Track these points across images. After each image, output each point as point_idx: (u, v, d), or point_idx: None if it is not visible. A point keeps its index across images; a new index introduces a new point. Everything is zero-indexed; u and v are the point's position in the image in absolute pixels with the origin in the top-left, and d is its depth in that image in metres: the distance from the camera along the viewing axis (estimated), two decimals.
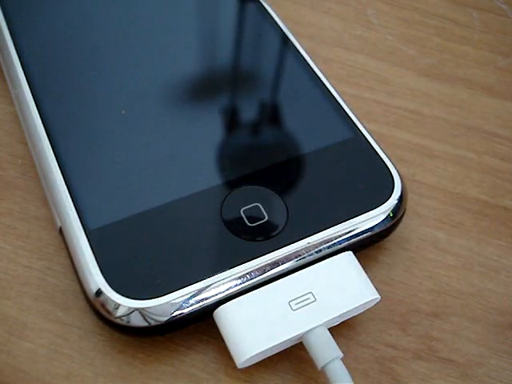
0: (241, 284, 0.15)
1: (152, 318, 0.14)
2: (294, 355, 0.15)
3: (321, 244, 0.16)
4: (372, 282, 0.15)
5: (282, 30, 0.21)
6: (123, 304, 0.14)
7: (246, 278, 0.15)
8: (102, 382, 0.15)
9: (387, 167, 0.17)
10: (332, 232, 0.16)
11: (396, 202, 0.16)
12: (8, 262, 0.17)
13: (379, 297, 0.15)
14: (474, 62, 0.23)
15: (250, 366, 0.15)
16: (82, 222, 0.15)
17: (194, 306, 0.14)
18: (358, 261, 0.16)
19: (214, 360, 0.15)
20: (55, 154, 0.17)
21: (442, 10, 0.25)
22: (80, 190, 0.16)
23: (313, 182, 0.17)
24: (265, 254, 0.15)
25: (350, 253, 0.16)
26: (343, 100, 0.19)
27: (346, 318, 0.15)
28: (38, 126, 0.17)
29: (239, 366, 0.14)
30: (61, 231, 0.16)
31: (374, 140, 0.18)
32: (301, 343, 0.15)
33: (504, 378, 0.16)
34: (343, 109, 0.19)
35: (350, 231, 0.16)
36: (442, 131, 0.21)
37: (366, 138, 0.18)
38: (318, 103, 0.19)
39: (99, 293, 0.14)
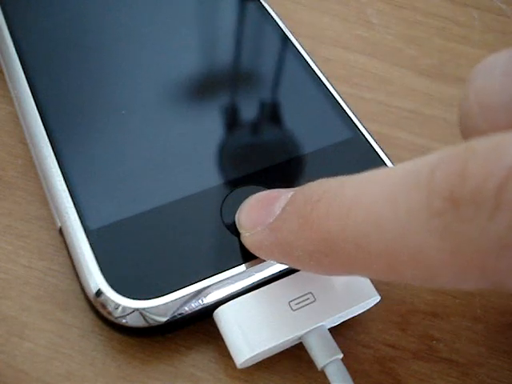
0: (241, 284, 0.15)
1: (152, 318, 0.14)
2: (294, 355, 0.15)
3: None
4: (372, 282, 0.15)
5: (281, 30, 0.21)
6: (123, 304, 0.14)
7: (246, 278, 0.15)
8: (102, 381, 0.15)
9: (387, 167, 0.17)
10: None
11: None
12: (8, 262, 0.17)
13: (379, 297, 0.15)
14: (474, 62, 0.23)
15: (249, 366, 0.15)
16: (82, 222, 0.15)
17: (193, 306, 0.14)
18: None
19: (214, 360, 0.15)
20: (55, 154, 0.17)
21: (442, 10, 0.25)
22: (80, 190, 0.16)
23: None
24: None
25: None
26: (343, 100, 0.19)
27: (346, 318, 0.15)
28: (38, 126, 0.17)
29: (239, 366, 0.14)
30: (61, 231, 0.16)
31: (374, 140, 0.18)
32: (301, 343, 0.15)
33: (504, 378, 0.16)
34: (343, 109, 0.19)
35: None
36: (442, 131, 0.21)
37: (366, 138, 0.18)
38: (318, 103, 0.19)
39: (99, 293, 0.14)
